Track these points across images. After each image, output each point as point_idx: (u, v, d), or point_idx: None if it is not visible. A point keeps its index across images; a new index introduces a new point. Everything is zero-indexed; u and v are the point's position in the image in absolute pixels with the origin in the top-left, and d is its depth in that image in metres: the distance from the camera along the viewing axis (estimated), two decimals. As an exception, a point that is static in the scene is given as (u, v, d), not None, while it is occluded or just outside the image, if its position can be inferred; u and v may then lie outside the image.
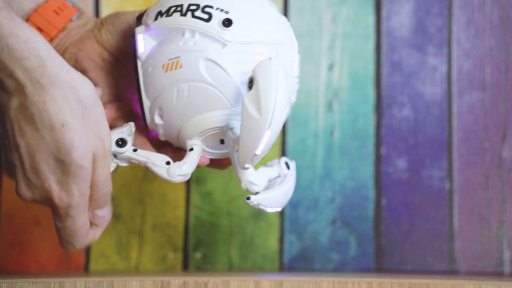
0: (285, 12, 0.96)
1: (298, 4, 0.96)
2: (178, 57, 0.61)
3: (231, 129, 0.63)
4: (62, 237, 0.62)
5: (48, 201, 0.60)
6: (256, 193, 0.67)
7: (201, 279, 0.59)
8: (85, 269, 0.93)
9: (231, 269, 0.93)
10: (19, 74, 0.55)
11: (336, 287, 0.59)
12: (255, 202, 0.66)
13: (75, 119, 0.56)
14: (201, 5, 0.62)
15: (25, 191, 0.60)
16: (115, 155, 0.65)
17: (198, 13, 0.61)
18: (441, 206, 0.94)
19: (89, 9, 0.95)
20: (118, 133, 0.64)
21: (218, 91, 0.62)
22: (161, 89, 0.63)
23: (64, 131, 0.56)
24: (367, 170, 0.94)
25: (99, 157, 0.59)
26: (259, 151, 0.59)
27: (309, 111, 0.95)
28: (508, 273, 0.92)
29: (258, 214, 0.93)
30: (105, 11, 0.94)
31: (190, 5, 0.62)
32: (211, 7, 0.62)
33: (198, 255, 0.94)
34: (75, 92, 0.56)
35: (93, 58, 0.68)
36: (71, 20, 0.69)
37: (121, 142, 0.64)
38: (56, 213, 0.60)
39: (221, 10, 0.61)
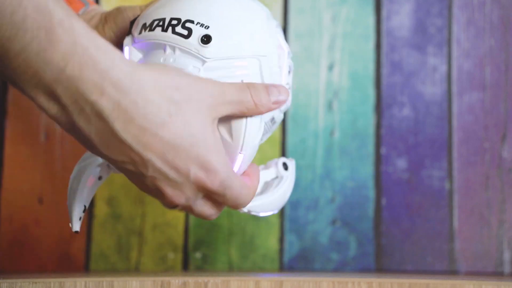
0: (285, 12, 0.96)
1: (298, 4, 0.96)
2: None
3: None
4: (231, 206, 0.61)
5: (200, 190, 0.58)
6: None
7: (201, 279, 0.59)
8: (85, 269, 0.93)
9: (231, 269, 0.93)
10: (110, 89, 0.51)
11: (336, 287, 0.59)
12: (245, 210, 0.66)
13: (177, 105, 0.55)
14: (182, 20, 0.61)
15: (177, 196, 0.57)
16: (109, 166, 0.65)
17: (178, 28, 0.61)
18: (441, 206, 0.94)
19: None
20: None
21: None
22: None
23: (175, 119, 0.54)
24: (367, 170, 0.94)
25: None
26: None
27: (309, 111, 0.95)
28: (508, 273, 0.92)
29: (258, 214, 0.93)
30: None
31: (171, 19, 0.61)
32: (192, 21, 0.61)
33: (198, 255, 0.94)
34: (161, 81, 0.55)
35: None
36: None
37: None
38: (214, 195, 0.58)
39: (202, 25, 0.61)
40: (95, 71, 0.51)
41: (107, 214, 0.93)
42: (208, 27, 0.61)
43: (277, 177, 0.70)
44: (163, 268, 0.93)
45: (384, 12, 0.96)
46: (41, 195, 0.94)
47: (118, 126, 0.52)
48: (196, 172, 0.56)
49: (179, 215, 0.94)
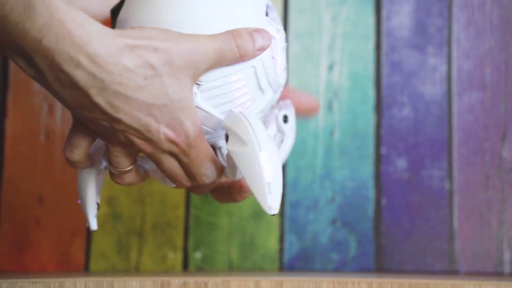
0: (285, 12, 0.96)
1: (298, 4, 0.96)
2: None
3: (219, 148, 0.64)
4: (194, 173, 0.61)
5: (172, 147, 0.59)
6: None
7: (201, 279, 0.59)
8: (85, 269, 0.93)
9: (231, 269, 0.93)
10: (85, 63, 0.53)
11: (336, 287, 0.59)
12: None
13: (154, 69, 0.56)
14: None
15: (146, 145, 0.59)
16: None
17: None
18: (441, 206, 0.94)
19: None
20: None
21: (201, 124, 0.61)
22: None
23: (150, 81, 0.56)
24: (367, 170, 0.94)
25: (195, 78, 0.59)
26: (268, 177, 0.56)
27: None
28: (508, 273, 0.92)
29: (258, 214, 0.93)
30: (105, 11, 0.94)
31: None
32: None
33: (198, 255, 0.94)
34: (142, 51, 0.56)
35: None
36: None
37: None
38: (182, 152, 0.60)
39: None
40: (71, 44, 0.53)
41: (107, 214, 0.93)
42: None
43: (278, 131, 0.69)
44: (163, 268, 0.93)
45: (384, 12, 0.96)
46: (41, 195, 0.94)
47: (93, 92, 0.55)
48: (165, 131, 0.58)
49: (179, 215, 0.94)
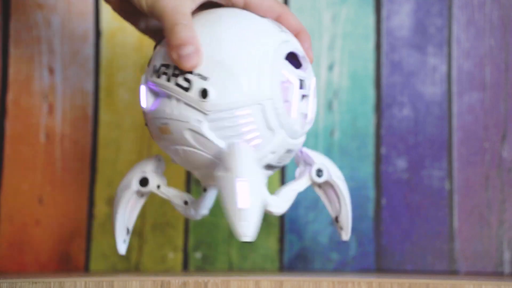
0: (285, 12, 0.96)
1: (298, 4, 0.96)
2: (167, 124, 0.62)
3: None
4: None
5: None
6: None
7: (201, 279, 0.59)
8: (85, 269, 0.93)
9: (231, 269, 0.93)
10: None
11: (336, 287, 0.59)
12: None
13: None
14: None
15: None
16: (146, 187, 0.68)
17: (180, 80, 0.61)
18: (441, 206, 0.94)
19: (89, 8, 0.95)
20: (140, 172, 0.67)
21: (206, 154, 0.62)
22: (163, 147, 0.65)
23: None
24: (367, 170, 0.95)
25: None
26: (241, 203, 0.59)
27: (309, 111, 0.95)
28: (508, 273, 0.92)
29: (258, 214, 0.93)
30: (105, 11, 0.94)
31: (175, 68, 0.62)
32: (191, 72, 0.61)
33: (198, 255, 0.94)
34: None
35: None
36: None
37: (143, 182, 0.67)
38: None
39: (200, 77, 0.60)
40: None
41: (107, 214, 0.93)
42: (207, 78, 0.60)
43: (316, 185, 0.70)
44: (163, 268, 0.93)
45: (384, 12, 0.96)
46: (41, 195, 0.94)
47: None
48: None
49: (179, 215, 0.94)
